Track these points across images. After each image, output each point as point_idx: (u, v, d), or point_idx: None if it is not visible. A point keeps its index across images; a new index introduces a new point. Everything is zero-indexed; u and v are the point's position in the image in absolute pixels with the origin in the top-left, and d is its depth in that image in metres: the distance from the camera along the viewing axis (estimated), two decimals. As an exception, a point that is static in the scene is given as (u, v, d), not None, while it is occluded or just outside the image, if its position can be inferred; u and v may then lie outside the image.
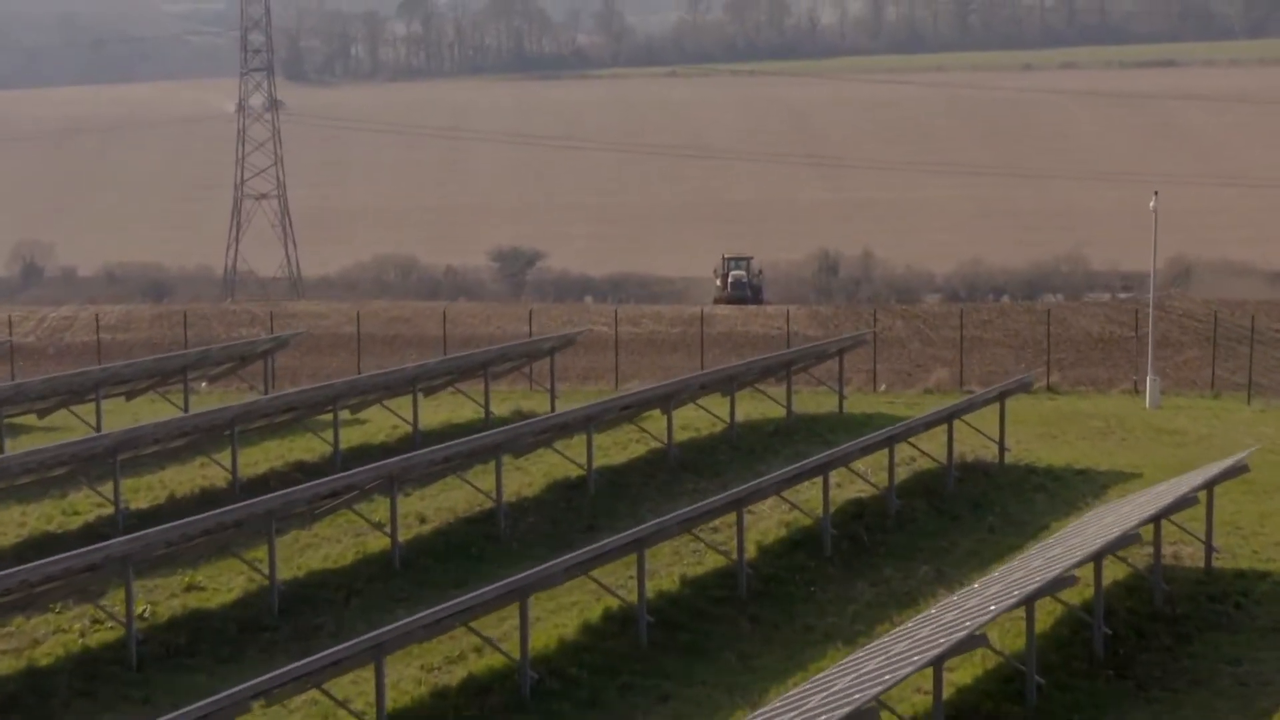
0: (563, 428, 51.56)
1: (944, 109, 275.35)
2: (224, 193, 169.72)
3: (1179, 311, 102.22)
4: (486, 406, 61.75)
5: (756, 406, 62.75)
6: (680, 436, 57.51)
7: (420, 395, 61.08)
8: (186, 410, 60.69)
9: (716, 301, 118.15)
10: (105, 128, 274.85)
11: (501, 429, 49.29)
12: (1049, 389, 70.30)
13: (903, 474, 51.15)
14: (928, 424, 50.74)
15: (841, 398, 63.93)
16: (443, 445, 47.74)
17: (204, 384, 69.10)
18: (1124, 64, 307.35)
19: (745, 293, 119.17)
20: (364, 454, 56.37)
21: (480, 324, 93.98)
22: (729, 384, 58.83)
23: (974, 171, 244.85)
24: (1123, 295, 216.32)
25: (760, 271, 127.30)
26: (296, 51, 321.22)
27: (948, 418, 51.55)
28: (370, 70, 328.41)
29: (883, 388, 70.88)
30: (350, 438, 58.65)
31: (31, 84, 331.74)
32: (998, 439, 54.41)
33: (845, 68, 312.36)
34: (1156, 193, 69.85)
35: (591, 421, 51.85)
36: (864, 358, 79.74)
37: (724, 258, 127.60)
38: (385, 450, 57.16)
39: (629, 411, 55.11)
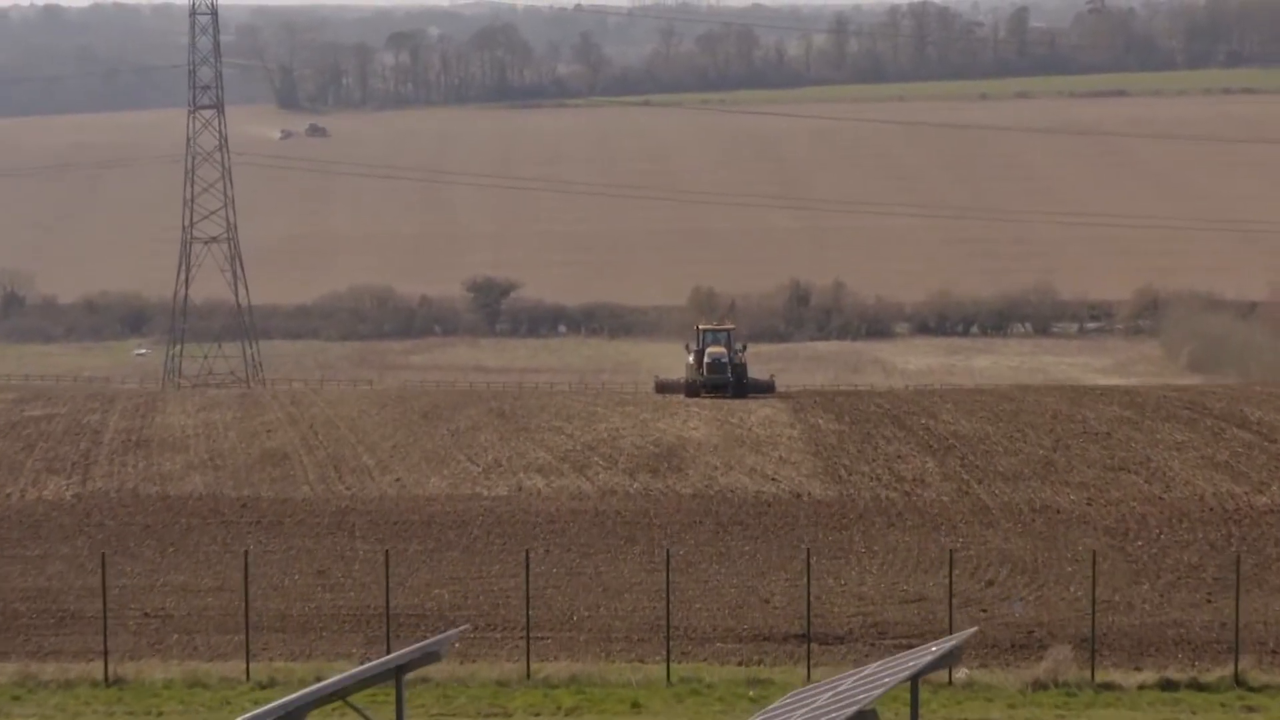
0: None
1: (906, 139, 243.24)
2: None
3: (1256, 424, 68.11)
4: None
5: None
6: None
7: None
8: None
9: (690, 390, 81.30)
10: (106, 155, 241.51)
11: None
12: (1236, 681, 36.39)
13: None
14: None
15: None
16: None
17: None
18: (1075, 93, 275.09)
19: (725, 376, 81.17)
20: None
21: (377, 471, 58.87)
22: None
23: (939, 201, 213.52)
24: (1091, 325, 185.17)
25: (744, 347, 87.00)
26: (290, 81, 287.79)
27: None
28: (360, 99, 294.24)
29: (962, 674, 36.76)
30: None
31: (48, 111, 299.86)
32: None
33: (810, 97, 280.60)
34: None
35: None
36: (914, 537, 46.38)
37: (698, 329, 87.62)
38: None
39: None
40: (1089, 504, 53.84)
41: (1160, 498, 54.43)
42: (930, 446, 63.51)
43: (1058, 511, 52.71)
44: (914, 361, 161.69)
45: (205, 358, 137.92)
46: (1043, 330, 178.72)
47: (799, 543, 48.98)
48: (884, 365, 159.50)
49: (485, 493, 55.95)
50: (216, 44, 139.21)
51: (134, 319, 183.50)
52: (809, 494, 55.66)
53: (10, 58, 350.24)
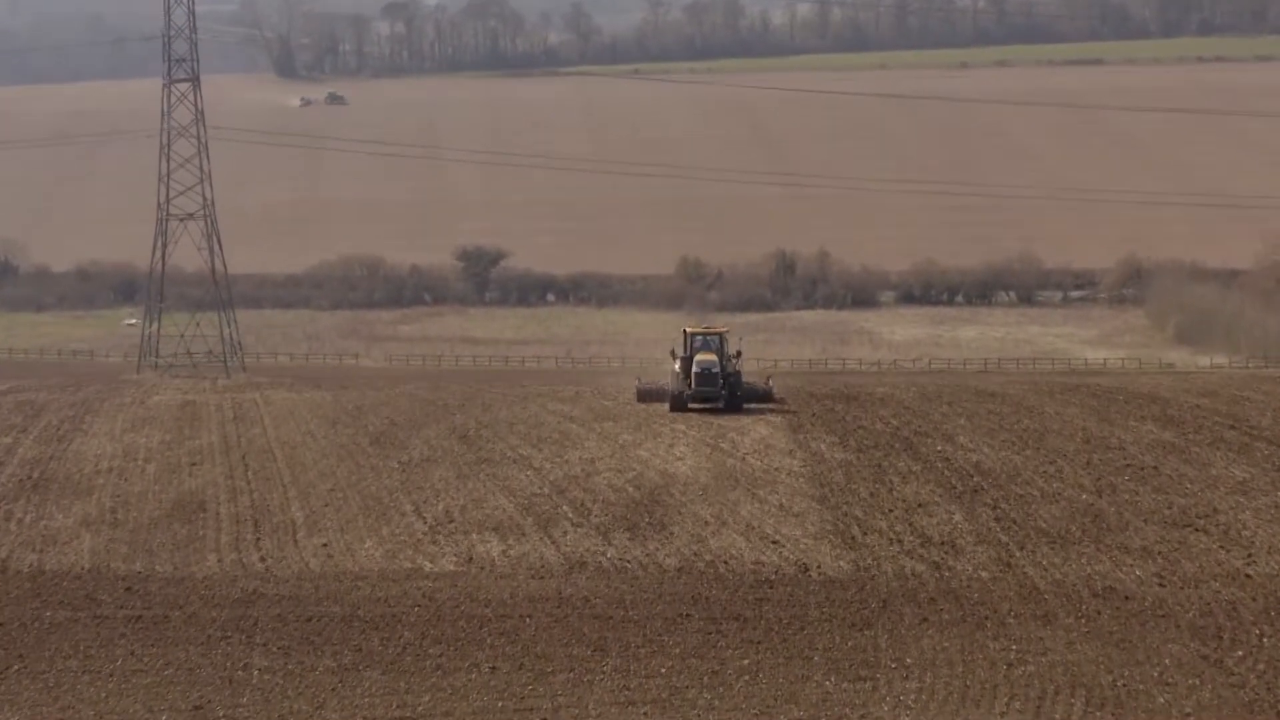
0: None
1: (889, 109, 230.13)
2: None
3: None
4: None
5: None
6: None
7: None
8: None
9: (676, 404, 66.22)
10: (107, 124, 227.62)
11: None
12: None
13: None
14: None
15: None
16: None
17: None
18: (1053, 61, 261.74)
19: (717, 388, 66.27)
20: None
21: (303, 530, 45.05)
22: None
23: (921, 171, 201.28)
24: (1075, 294, 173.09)
25: (739, 353, 70.28)
26: (288, 50, 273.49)
27: None
28: (356, 68, 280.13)
29: None
30: None
31: (58, 79, 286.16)
32: None
33: (795, 66, 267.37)
34: None
35: None
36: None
37: (686, 332, 71.00)
38: None
39: None
40: (1161, 584, 40.88)
41: (1246, 574, 41.50)
42: (953, 487, 50.55)
43: (1126, 598, 39.77)
44: (900, 332, 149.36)
45: (182, 336, 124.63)
46: (1027, 299, 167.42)
47: (811, 652, 36.08)
48: (870, 336, 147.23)
49: (428, 566, 42.81)
50: (192, 14, 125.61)
51: (125, 288, 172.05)
52: (818, 566, 42.64)
53: (24, 25, 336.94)
